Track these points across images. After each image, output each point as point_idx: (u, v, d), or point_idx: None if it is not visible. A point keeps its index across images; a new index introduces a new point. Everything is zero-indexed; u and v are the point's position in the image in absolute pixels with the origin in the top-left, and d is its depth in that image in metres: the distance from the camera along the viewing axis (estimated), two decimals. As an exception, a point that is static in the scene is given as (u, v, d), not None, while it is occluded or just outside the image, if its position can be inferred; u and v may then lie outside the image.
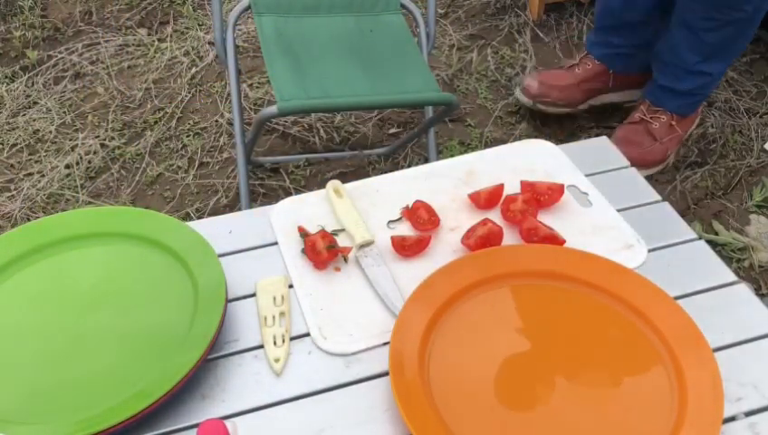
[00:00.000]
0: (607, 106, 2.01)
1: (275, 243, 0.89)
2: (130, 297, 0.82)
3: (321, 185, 0.98)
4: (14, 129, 2.18)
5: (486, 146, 2.00)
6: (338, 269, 0.85)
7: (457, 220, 0.90)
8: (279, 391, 0.73)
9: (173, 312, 0.79)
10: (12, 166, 2.07)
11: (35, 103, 2.28)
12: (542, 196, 0.91)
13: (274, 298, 0.82)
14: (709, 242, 1.61)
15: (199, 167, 2.03)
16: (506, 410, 0.69)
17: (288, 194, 1.85)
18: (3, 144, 2.13)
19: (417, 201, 0.92)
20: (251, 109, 2.18)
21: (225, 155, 2.06)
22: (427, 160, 1.86)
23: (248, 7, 1.60)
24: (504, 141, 2.02)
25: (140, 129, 2.16)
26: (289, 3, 1.62)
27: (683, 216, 0.92)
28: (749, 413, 0.70)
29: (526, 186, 0.92)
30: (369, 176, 1.72)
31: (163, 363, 0.73)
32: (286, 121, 2.09)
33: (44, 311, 0.81)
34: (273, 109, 1.37)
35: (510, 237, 0.88)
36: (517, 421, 0.68)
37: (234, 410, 0.72)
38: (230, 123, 2.13)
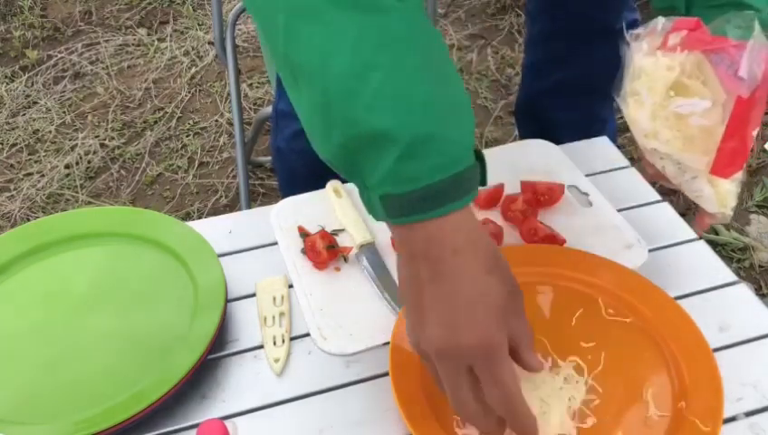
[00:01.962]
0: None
1: (275, 243, 0.89)
2: (130, 297, 0.82)
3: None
4: (13, 129, 2.18)
5: (486, 146, 2.00)
6: (338, 269, 0.85)
7: (457, 220, 0.90)
8: (279, 391, 0.73)
9: (173, 312, 0.79)
10: (12, 166, 2.07)
11: (35, 103, 2.28)
12: (542, 196, 0.91)
13: (274, 298, 0.81)
14: (709, 242, 1.61)
15: (199, 167, 2.03)
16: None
17: (288, 194, 1.85)
18: (2, 144, 2.13)
19: (417, 201, 0.91)
20: (251, 109, 2.19)
21: (224, 155, 2.06)
22: (426, 160, 1.86)
23: (248, 7, 1.60)
24: (503, 141, 2.02)
25: (140, 129, 2.16)
26: (289, 3, 1.62)
27: (683, 216, 0.92)
28: (749, 413, 0.70)
29: (526, 186, 0.92)
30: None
31: (163, 364, 0.73)
32: (286, 121, 2.09)
33: (44, 311, 0.81)
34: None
35: (510, 237, 0.88)
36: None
37: (234, 410, 0.72)
38: (230, 123, 2.13)
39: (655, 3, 0.82)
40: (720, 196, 0.76)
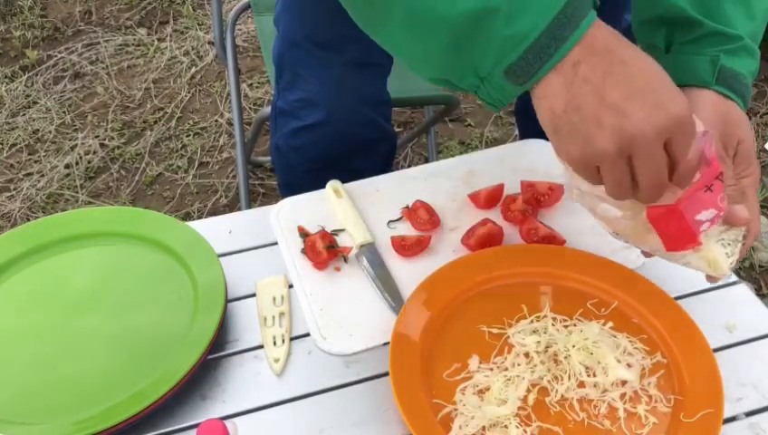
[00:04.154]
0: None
1: (275, 243, 0.89)
2: (130, 297, 0.82)
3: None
4: (13, 129, 2.18)
5: (486, 146, 2.00)
6: (338, 269, 0.85)
7: (457, 220, 0.90)
8: (279, 391, 0.73)
9: (173, 312, 0.79)
10: (12, 166, 2.07)
11: (35, 103, 2.28)
12: (542, 196, 0.91)
13: (274, 298, 0.81)
14: (709, 242, 1.61)
15: (199, 167, 2.03)
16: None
17: (288, 194, 1.85)
18: (2, 144, 2.13)
19: (417, 201, 0.92)
20: (251, 109, 2.19)
21: (224, 155, 2.06)
22: (427, 160, 1.86)
23: (248, 6, 1.60)
24: (503, 141, 2.02)
25: (140, 129, 2.16)
26: (289, 3, 1.62)
27: (683, 216, 0.92)
28: (749, 413, 0.70)
29: (526, 186, 0.92)
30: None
31: (163, 363, 0.73)
32: (286, 121, 2.09)
33: (44, 311, 0.81)
34: (272, 109, 1.36)
35: (510, 237, 0.88)
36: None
37: (234, 410, 0.72)
38: (230, 123, 2.13)
39: (638, 36, 0.80)
40: (709, 260, 0.67)
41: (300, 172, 1.23)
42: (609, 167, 0.58)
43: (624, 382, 0.70)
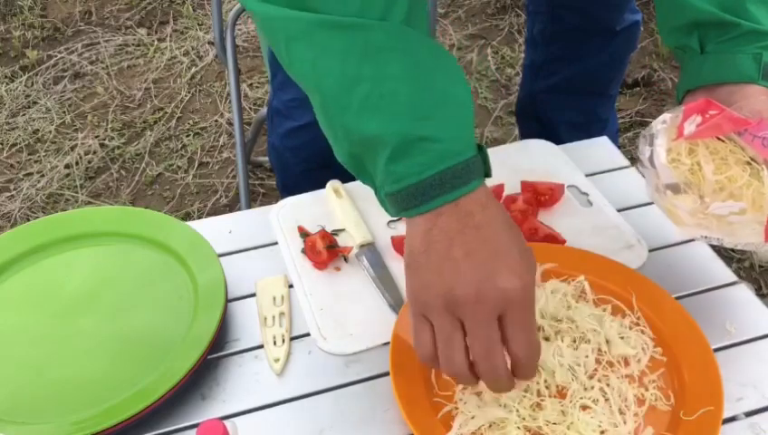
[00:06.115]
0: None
1: (275, 243, 0.89)
2: (130, 297, 0.82)
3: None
4: (13, 129, 2.18)
5: (486, 146, 2.00)
6: (338, 269, 0.85)
7: (457, 220, 0.90)
8: (279, 391, 0.73)
9: (173, 312, 0.79)
10: (11, 166, 2.07)
11: (35, 103, 2.28)
12: (542, 196, 0.91)
13: (274, 298, 0.81)
14: (709, 242, 1.61)
15: (199, 167, 2.03)
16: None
17: (288, 194, 1.85)
18: (2, 144, 2.13)
19: (417, 201, 0.91)
20: (251, 109, 2.19)
21: (224, 155, 2.06)
22: (426, 160, 1.85)
23: (248, 7, 1.60)
24: (503, 141, 2.02)
25: (140, 129, 2.16)
26: (289, 3, 1.62)
27: (683, 215, 0.92)
28: (749, 413, 0.70)
29: (526, 186, 0.92)
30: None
31: (163, 363, 0.73)
32: (286, 121, 2.09)
33: (44, 311, 0.81)
34: (272, 109, 1.36)
35: (510, 237, 0.88)
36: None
37: (234, 410, 0.72)
38: (230, 123, 2.13)
39: (666, 41, 0.82)
40: None
41: (297, 172, 1.23)
42: (436, 320, 0.60)
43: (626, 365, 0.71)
